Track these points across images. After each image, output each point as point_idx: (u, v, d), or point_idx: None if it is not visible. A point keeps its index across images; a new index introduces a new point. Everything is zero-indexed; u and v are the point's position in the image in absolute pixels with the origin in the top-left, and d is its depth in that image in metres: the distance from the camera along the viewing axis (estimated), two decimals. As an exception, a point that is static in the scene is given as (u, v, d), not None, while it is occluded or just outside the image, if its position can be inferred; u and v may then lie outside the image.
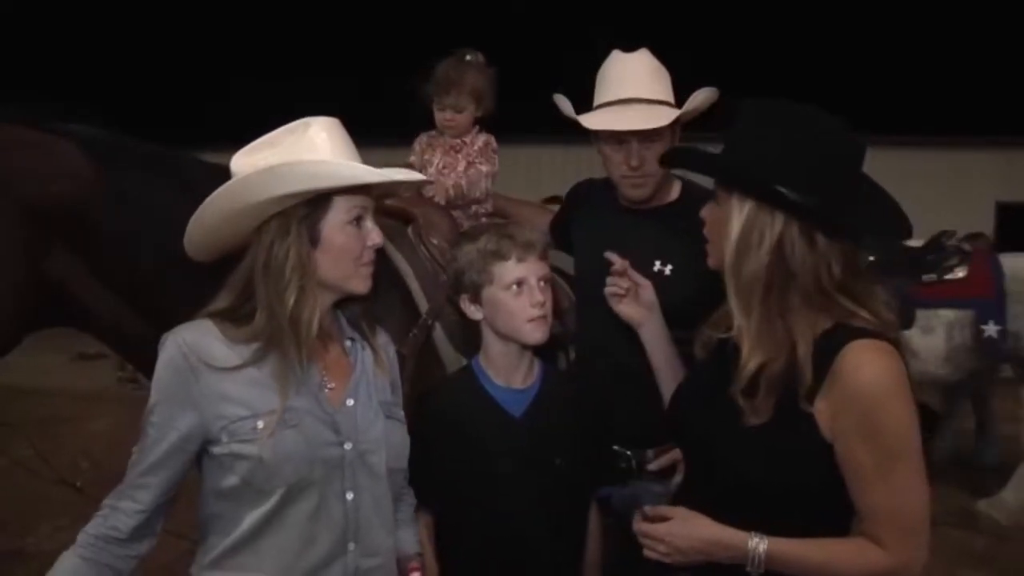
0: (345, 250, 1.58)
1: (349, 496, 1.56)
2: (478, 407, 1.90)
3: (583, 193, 2.48)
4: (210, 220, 1.56)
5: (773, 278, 1.46)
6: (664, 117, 2.11)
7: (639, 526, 1.58)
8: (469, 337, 2.19)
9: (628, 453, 2.17)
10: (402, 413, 1.73)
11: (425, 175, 2.57)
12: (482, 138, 2.62)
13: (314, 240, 1.55)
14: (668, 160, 1.90)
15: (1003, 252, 11.72)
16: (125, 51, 15.48)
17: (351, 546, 1.56)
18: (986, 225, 12.26)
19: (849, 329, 1.45)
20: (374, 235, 1.61)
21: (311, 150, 1.53)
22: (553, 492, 1.87)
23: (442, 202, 2.50)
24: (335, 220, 1.56)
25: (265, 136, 1.58)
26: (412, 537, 1.79)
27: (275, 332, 1.51)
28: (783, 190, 1.42)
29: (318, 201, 1.54)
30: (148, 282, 1.77)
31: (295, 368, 1.52)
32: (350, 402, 1.61)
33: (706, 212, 1.60)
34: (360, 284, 1.62)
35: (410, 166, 2.53)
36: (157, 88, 14.97)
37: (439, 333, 2.18)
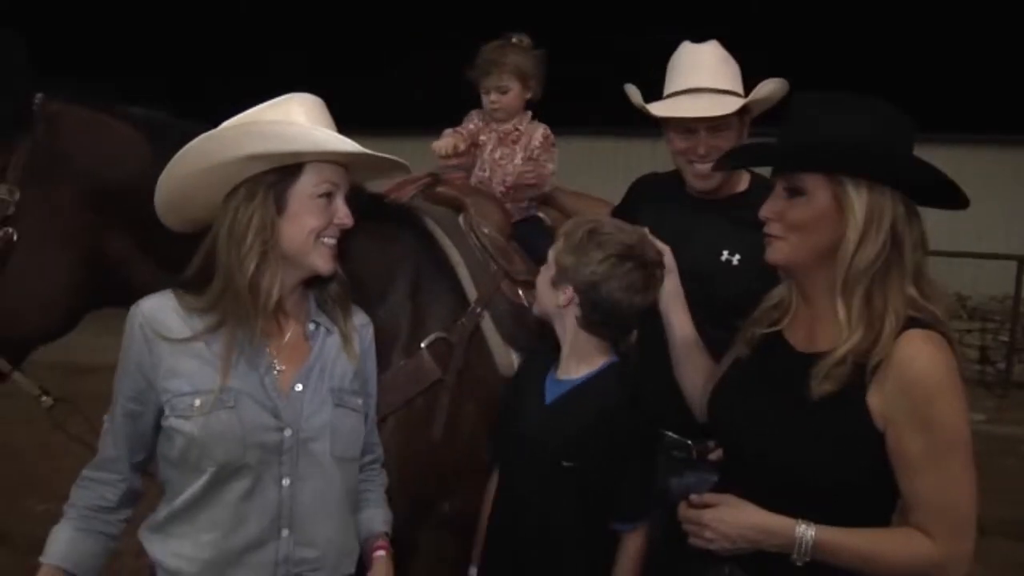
0: (308, 222, 1.54)
1: (285, 482, 1.53)
2: (533, 385, 1.93)
3: (648, 186, 2.46)
4: (179, 178, 1.54)
5: (883, 263, 1.46)
6: (730, 105, 2.11)
7: (685, 513, 1.58)
8: (518, 327, 2.19)
9: (689, 443, 2.14)
10: (359, 402, 1.67)
11: (477, 159, 2.57)
12: (540, 131, 2.58)
13: (280, 208, 1.53)
14: (741, 158, 1.86)
15: None
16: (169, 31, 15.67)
17: (284, 532, 1.53)
18: (1048, 227, 11.94)
19: (905, 319, 1.45)
20: (342, 214, 1.58)
21: (289, 120, 1.53)
22: (553, 496, 1.82)
23: (500, 191, 2.50)
24: (303, 190, 1.54)
25: (250, 109, 1.57)
26: (380, 517, 1.75)
27: (230, 300, 1.50)
28: (908, 170, 1.46)
29: (288, 169, 1.52)
30: None
31: (244, 346, 1.51)
32: (299, 387, 1.57)
33: (779, 208, 1.55)
34: (320, 262, 1.58)
35: (454, 149, 2.53)
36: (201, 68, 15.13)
37: (487, 322, 2.16)
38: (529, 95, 2.58)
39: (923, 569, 1.45)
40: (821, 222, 1.50)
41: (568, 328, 1.89)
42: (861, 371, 1.44)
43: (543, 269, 1.93)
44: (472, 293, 2.17)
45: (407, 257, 2.10)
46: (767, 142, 1.66)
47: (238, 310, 1.50)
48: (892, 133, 1.49)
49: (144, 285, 1.69)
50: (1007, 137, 12.06)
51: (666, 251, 1.95)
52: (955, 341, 1.49)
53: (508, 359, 2.15)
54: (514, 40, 2.55)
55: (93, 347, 1.97)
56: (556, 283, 1.87)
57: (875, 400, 1.44)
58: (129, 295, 1.66)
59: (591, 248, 1.83)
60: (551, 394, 1.89)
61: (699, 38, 2.27)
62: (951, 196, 1.50)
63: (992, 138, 12.09)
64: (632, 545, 1.85)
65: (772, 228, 1.56)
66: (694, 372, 1.88)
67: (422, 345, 2.01)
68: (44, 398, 1.80)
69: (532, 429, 1.86)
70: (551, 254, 1.90)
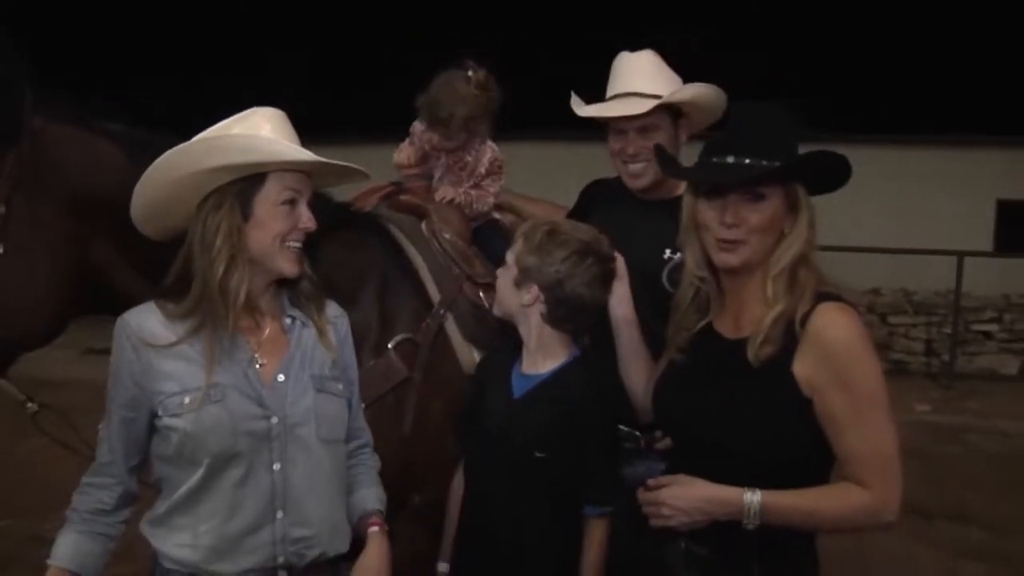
0: (273, 227, 1.64)
1: (276, 467, 1.63)
2: (498, 381, 2.03)
3: (596, 190, 2.60)
4: (152, 189, 1.64)
5: (805, 249, 1.65)
6: (646, 106, 2.24)
7: (643, 496, 1.71)
8: (479, 327, 2.30)
9: (637, 434, 2.25)
10: (339, 387, 1.77)
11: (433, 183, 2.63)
12: (488, 155, 2.59)
13: (246, 215, 1.63)
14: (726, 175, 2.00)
15: (1004, 250, 11.62)
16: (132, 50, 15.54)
17: (279, 514, 1.63)
18: (986, 223, 12.35)
19: (816, 294, 1.63)
20: (305, 219, 1.68)
21: (254, 133, 1.65)
22: (528, 484, 1.92)
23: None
24: (267, 198, 1.64)
25: (218, 124, 1.68)
26: (373, 496, 1.84)
27: (206, 302, 1.61)
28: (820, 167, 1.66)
29: (253, 179, 1.63)
30: None
31: (223, 343, 1.62)
32: (281, 378, 1.67)
33: (743, 214, 1.67)
34: (286, 265, 1.68)
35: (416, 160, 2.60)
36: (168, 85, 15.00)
37: (451, 323, 2.27)
38: (479, 136, 2.54)
39: (860, 517, 1.61)
40: (776, 222, 1.67)
41: (533, 325, 1.99)
42: (788, 337, 1.60)
43: (503, 271, 2.03)
44: (436, 296, 2.28)
45: (374, 263, 2.21)
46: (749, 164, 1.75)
47: (213, 310, 1.60)
48: (794, 138, 1.70)
49: (126, 292, 1.78)
50: (951, 138, 12.44)
51: (618, 257, 2.06)
52: (860, 309, 1.67)
53: (471, 357, 2.26)
54: (469, 74, 2.44)
55: (47, 361, 2.01)
56: (519, 283, 1.97)
57: (800, 369, 1.59)
58: (112, 302, 1.75)
59: (553, 248, 1.94)
60: (519, 389, 1.99)
61: (656, 44, 2.41)
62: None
63: (936, 139, 12.45)
64: (599, 531, 1.95)
65: (736, 233, 1.67)
66: (638, 373, 2.00)
67: (389, 346, 2.12)
68: (29, 404, 1.87)
69: (502, 423, 1.95)
70: (510, 257, 2.00)
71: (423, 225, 2.42)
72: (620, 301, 2.04)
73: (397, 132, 2.74)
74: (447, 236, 2.39)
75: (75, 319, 1.89)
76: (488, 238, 2.58)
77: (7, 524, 4.77)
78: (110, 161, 1.82)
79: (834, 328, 1.58)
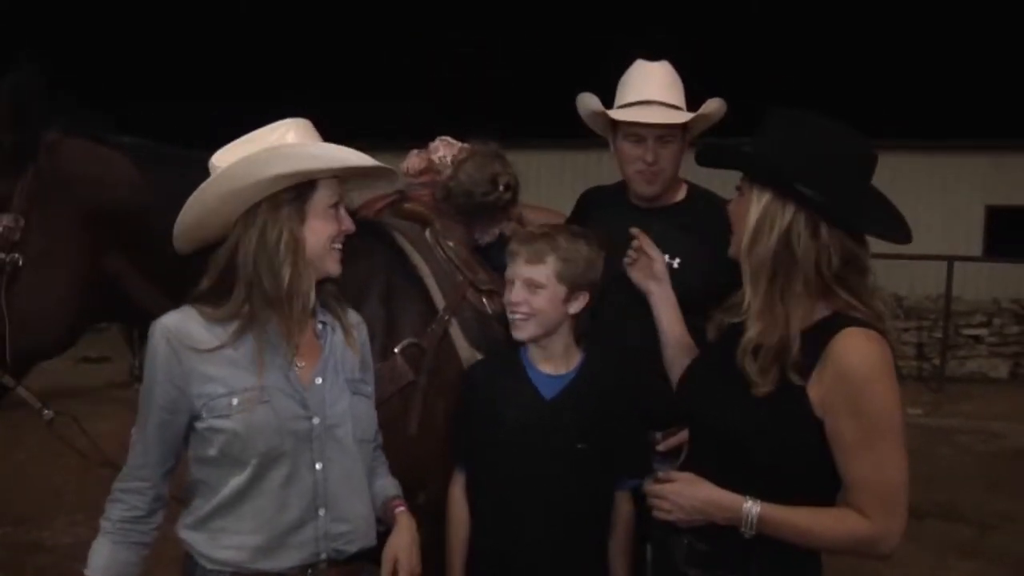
0: (325, 230, 1.71)
1: (318, 466, 1.68)
2: (515, 385, 2.10)
3: (594, 196, 2.67)
4: (209, 201, 1.67)
5: (778, 263, 1.63)
6: (682, 116, 2.33)
7: (649, 488, 1.77)
8: (482, 332, 2.35)
9: None
10: (370, 389, 1.85)
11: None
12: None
13: (301, 220, 1.69)
14: (702, 158, 2.04)
15: (993, 255, 11.72)
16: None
17: (321, 512, 1.68)
18: (975, 228, 12.47)
19: (844, 318, 1.62)
20: (346, 222, 1.77)
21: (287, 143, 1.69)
22: (571, 476, 2.02)
23: None
24: (320, 203, 1.71)
25: (249, 134, 1.73)
26: (391, 483, 1.92)
27: (259, 308, 1.65)
28: (798, 186, 1.60)
29: (305, 185, 1.68)
30: (193, 280, 1.92)
31: (274, 345, 1.66)
32: (319, 380, 1.73)
33: (732, 205, 1.77)
34: (332, 265, 1.75)
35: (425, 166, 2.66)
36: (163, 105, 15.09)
37: (455, 328, 2.31)
38: None
39: (857, 544, 1.61)
40: (739, 219, 1.71)
41: (565, 329, 2.10)
42: (793, 359, 1.60)
43: (539, 294, 2.06)
44: (440, 302, 2.32)
45: (380, 270, 2.26)
46: (722, 144, 1.83)
47: (269, 317, 1.65)
48: (822, 153, 1.62)
49: (139, 301, 1.83)
50: (939, 144, 12.55)
51: (658, 259, 2.15)
52: (891, 337, 1.63)
53: (474, 361, 2.31)
54: (501, 188, 2.53)
55: (42, 371, 2.04)
56: (569, 297, 2.07)
57: (815, 392, 1.59)
58: (125, 311, 1.79)
59: (583, 248, 2.07)
60: (549, 390, 2.08)
61: (651, 51, 2.48)
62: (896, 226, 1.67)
63: (924, 145, 12.56)
64: (627, 506, 2.08)
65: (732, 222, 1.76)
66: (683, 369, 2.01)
67: (396, 350, 2.16)
68: (45, 412, 1.90)
69: (538, 423, 2.04)
70: (545, 278, 2.05)
71: (427, 233, 2.46)
72: (661, 302, 2.12)
73: (397, 139, 2.78)
74: (451, 244, 2.44)
75: (89, 327, 1.94)
76: (491, 246, 2.62)
77: (5, 532, 4.79)
78: (122, 173, 1.87)
79: (854, 354, 1.56)
